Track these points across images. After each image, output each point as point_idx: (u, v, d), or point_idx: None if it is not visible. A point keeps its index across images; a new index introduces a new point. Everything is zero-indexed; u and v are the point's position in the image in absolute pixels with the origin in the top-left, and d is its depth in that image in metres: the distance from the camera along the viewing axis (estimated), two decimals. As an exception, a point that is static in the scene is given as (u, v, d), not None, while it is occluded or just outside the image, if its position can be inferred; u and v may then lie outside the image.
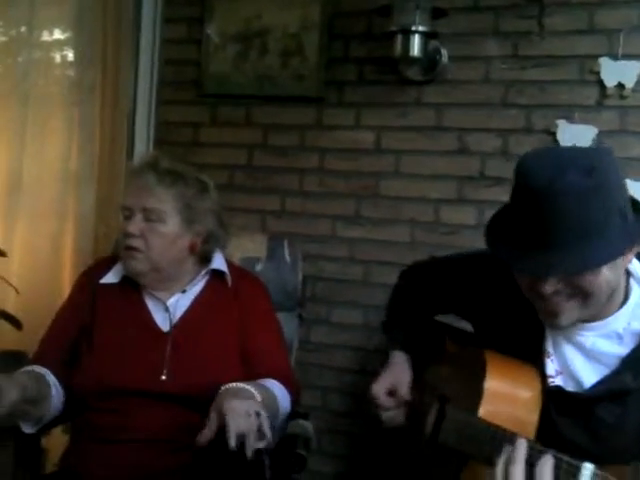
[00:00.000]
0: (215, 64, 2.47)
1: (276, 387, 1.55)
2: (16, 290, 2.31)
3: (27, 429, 1.52)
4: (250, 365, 1.60)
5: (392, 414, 1.49)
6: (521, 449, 1.01)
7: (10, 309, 2.32)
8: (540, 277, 1.14)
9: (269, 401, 1.45)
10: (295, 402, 1.64)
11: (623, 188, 1.15)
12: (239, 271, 1.75)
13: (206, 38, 2.47)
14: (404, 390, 1.48)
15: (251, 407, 1.28)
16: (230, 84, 2.45)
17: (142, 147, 2.57)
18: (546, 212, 1.10)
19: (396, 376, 1.49)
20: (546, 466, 0.98)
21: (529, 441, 1.03)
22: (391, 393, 1.48)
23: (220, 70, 2.46)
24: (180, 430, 1.49)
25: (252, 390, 1.39)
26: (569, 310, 1.16)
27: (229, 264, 1.72)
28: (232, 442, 1.21)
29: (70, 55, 2.59)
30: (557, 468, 0.98)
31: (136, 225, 1.56)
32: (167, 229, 1.59)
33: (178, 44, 2.55)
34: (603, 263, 1.11)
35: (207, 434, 1.26)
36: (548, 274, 1.12)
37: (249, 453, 1.23)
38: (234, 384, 1.41)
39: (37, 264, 2.51)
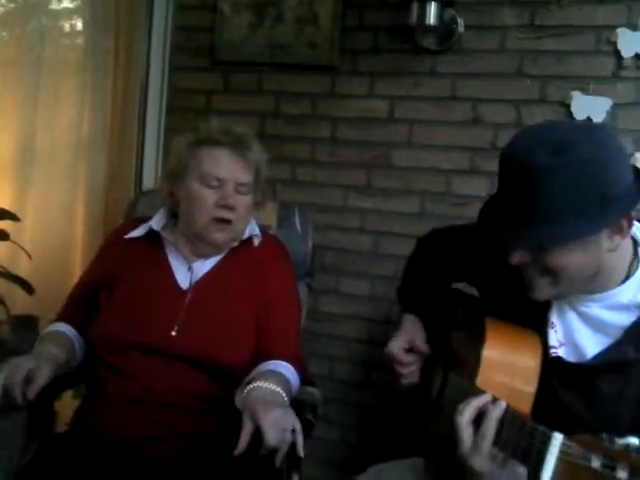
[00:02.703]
0: (229, 31, 2.45)
1: (289, 371, 1.56)
2: (28, 255, 2.32)
3: None
4: (263, 339, 1.60)
5: (409, 370, 1.50)
6: (480, 398, 1.10)
7: (22, 274, 2.34)
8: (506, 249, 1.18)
9: (287, 391, 1.46)
10: (300, 381, 1.64)
11: (605, 168, 1.10)
12: (269, 238, 1.76)
13: (220, 5, 2.45)
14: (421, 344, 1.50)
15: (288, 421, 1.29)
16: (243, 51, 2.44)
17: (154, 114, 2.56)
18: (513, 190, 1.13)
19: (411, 333, 1.51)
20: (495, 412, 1.07)
21: (494, 397, 1.09)
22: (408, 350, 1.50)
23: (234, 37, 2.45)
24: (187, 393, 1.50)
25: (282, 393, 1.40)
26: (542, 285, 1.19)
27: (261, 229, 1.73)
28: (263, 452, 1.26)
29: (79, 23, 2.58)
30: (531, 436, 1.01)
31: (232, 198, 1.58)
32: (250, 201, 1.63)
33: (192, 10, 2.54)
34: (551, 245, 1.12)
35: (243, 443, 1.27)
36: (509, 247, 1.16)
37: (278, 463, 1.27)
38: (262, 384, 1.40)
39: (49, 230, 2.53)
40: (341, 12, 2.30)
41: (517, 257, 1.16)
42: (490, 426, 1.07)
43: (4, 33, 2.51)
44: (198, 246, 1.63)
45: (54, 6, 2.57)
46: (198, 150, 1.61)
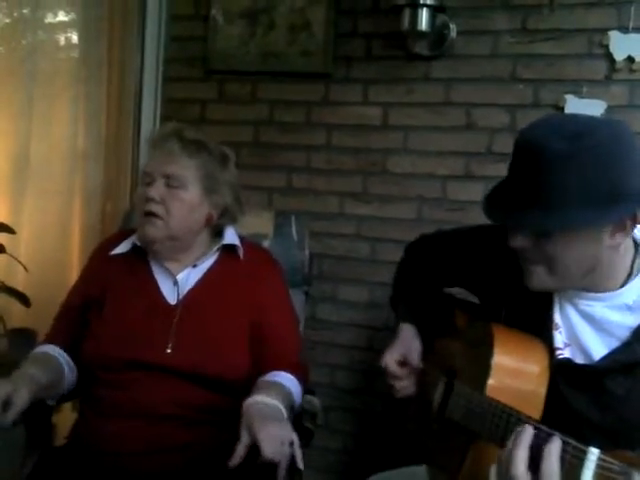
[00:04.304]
0: (221, 40, 2.45)
1: (290, 382, 1.54)
2: (25, 268, 2.32)
3: (48, 402, 1.57)
4: (261, 348, 1.59)
5: (404, 383, 1.49)
6: (526, 434, 1.00)
7: (19, 286, 2.33)
8: (509, 230, 1.17)
9: (288, 403, 1.45)
10: (303, 389, 1.63)
11: (618, 162, 1.10)
12: (252, 246, 1.73)
13: (212, 14, 2.45)
14: (414, 358, 1.48)
15: (285, 435, 1.27)
16: (236, 61, 2.44)
17: (149, 124, 2.56)
18: (524, 172, 1.13)
19: (406, 345, 1.50)
20: (554, 448, 0.96)
21: (536, 424, 1.02)
22: (402, 363, 1.48)
23: (226, 46, 2.45)
24: (186, 406, 1.50)
25: (280, 407, 1.38)
26: (538, 274, 1.19)
27: (241, 238, 1.71)
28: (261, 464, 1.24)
29: (74, 36, 2.59)
30: (563, 452, 0.96)
31: (157, 190, 1.54)
32: (187, 196, 1.58)
33: (184, 20, 2.54)
34: (554, 229, 1.12)
35: (238, 455, 1.25)
36: (514, 228, 1.16)
37: (281, 477, 1.25)
38: (261, 398, 1.38)
39: (45, 242, 2.53)
40: (334, 19, 2.31)
41: (519, 240, 1.16)
42: (554, 464, 0.96)
43: (0, 47, 2.51)
44: (150, 250, 1.62)
45: (49, 19, 2.57)
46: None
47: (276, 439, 1.25)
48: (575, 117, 1.22)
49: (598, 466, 0.90)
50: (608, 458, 0.90)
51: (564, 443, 0.96)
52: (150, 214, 1.55)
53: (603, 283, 1.19)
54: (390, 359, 1.48)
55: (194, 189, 1.58)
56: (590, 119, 1.19)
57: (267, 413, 1.34)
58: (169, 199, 1.55)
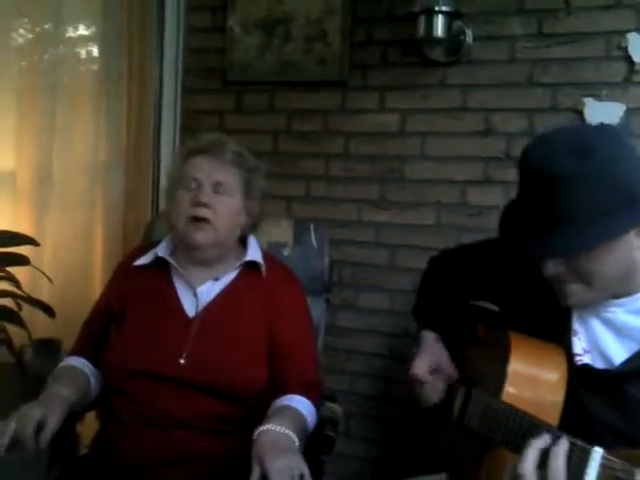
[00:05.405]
0: (239, 52, 2.48)
1: (304, 406, 1.53)
2: (49, 279, 2.35)
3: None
4: (278, 366, 1.58)
5: (433, 390, 1.46)
6: (540, 438, 1.01)
7: (43, 298, 2.36)
8: (539, 261, 1.16)
9: (301, 429, 1.44)
10: (318, 409, 1.61)
11: (630, 167, 1.11)
12: (273, 262, 1.74)
13: (230, 26, 2.48)
14: (448, 366, 1.47)
15: (295, 468, 1.25)
16: (254, 71, 2.46)
17: (169, 136, 2.59)
18: (538, 197, 1.12)
19: (434, 353, 1.48)
20: (561, 450, 0.98)
21: (548, 427, 1.03)
22: (432, 371, 1.47)
23: (244, 57, 2.47)
24: (202, 417, 1.50)
25: (292, 436, 1.36)
26: (575, 293, 1.18)
27: (264, 253, 1.72)
28: None
29: (95, 50, 2.63)
30: (570, 452, 0.97)
31: (207, 196, 1.58)
32: (234, 202, 1.63)
33: (202, 33, 2.57)
34: (583, 250, 1.11)
35: None
36: (540, 257, 1.15)
37: None
38: (273, 427, 1.36)
39: (69, 253, 2.56)
40: (349, 28, 2.32)
41: (551, 268, 1.15)
42: (560, 464, 0.98)
43: (23, 62, 2.56)
44: (192, 256, 1.63)
45: (70, 34, 2.62)
46: (182, 163, 1.65)
47: (286, 472, 1.24)
48: (571, 131, 1.19)
49: (602, 465, 0.92)
50: (612, 457, 0.92)
51: (571, 444, 0.97)
52: (198, 219, 1.58)
53: (630, 287, 1.18)
54: (421, 367, 1.46)
55: (238, 196, 1.64)
56: (589, 131, 1.19)
57: (279, 443, 1.32)
58: (217, 204, 1.59)
